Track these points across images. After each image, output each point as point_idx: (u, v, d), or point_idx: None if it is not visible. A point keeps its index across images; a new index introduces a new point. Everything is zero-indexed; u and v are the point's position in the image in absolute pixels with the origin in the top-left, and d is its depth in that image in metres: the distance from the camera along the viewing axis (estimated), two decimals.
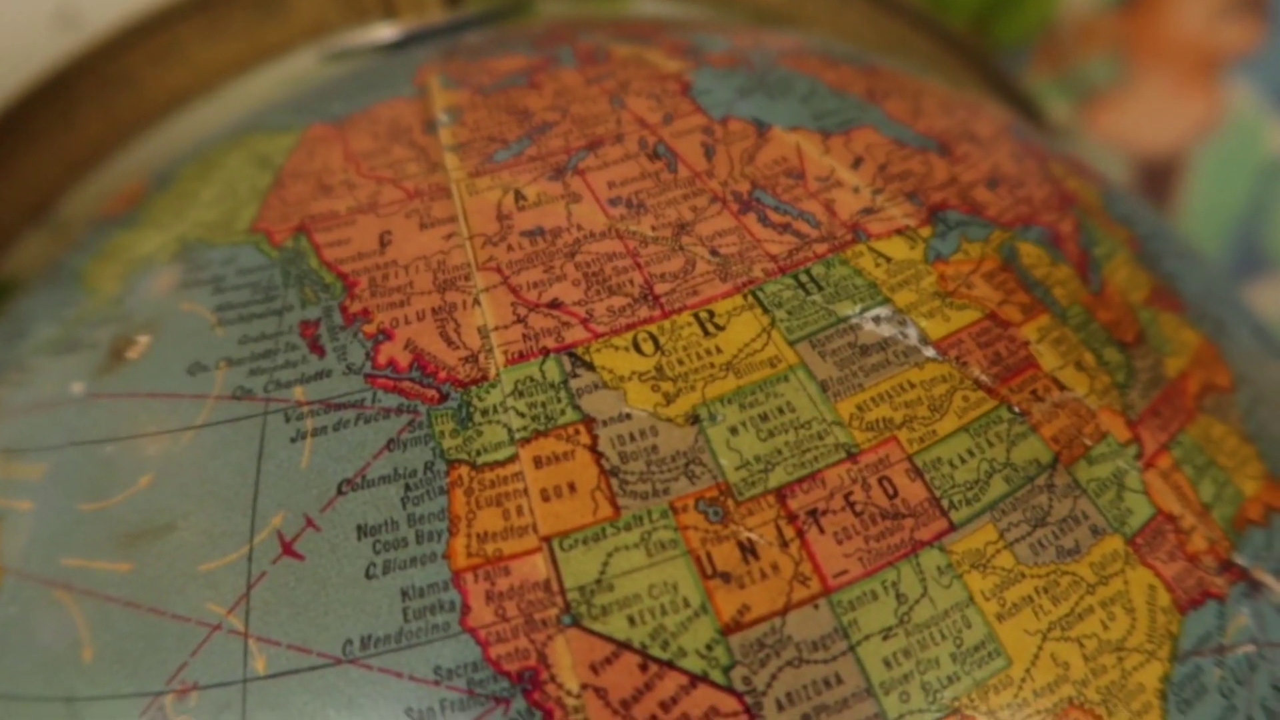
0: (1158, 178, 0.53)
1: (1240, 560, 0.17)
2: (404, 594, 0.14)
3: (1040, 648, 0.14)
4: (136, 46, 0.25)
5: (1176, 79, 0.54)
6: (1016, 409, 0.16)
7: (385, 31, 0.26)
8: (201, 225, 0.19)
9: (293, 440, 0.15)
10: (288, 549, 0.15)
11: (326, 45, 0.27)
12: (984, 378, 0.16)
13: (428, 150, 0.19)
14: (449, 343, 0.16)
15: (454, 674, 0.13)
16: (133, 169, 0.26)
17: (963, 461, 0.15)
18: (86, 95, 0.25)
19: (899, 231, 0.18)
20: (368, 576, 0.14)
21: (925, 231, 0.18)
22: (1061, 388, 0.17)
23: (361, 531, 0.14)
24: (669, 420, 0.15)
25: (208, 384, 0.16)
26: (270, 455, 0.15)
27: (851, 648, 0.14)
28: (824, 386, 0.16)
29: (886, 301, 0.17)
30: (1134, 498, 0.16)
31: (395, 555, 0.14)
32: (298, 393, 0.16)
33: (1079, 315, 0.18)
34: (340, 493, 0.15)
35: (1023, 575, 0.15)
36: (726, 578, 0.14)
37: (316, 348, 0.16)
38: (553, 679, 0.13)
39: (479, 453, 0.15)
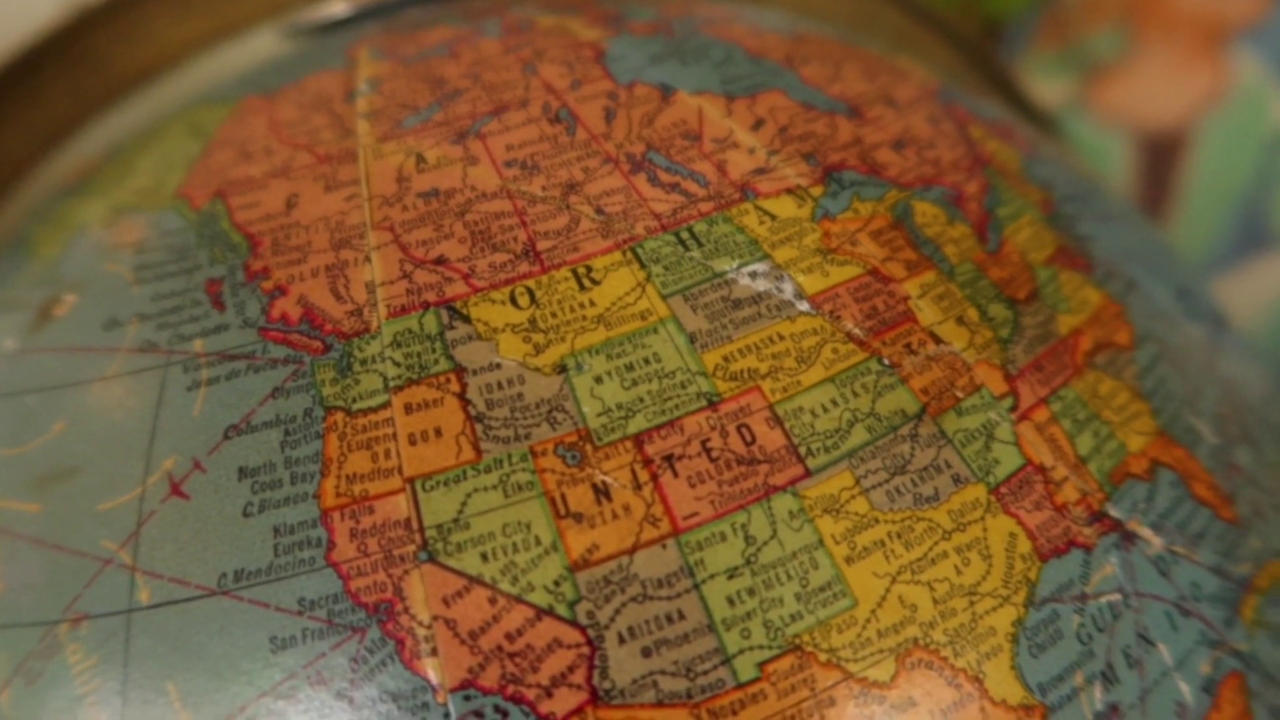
0: (1162, 153, 0.52)
1: (1114, 512, 0.17)
2: (276, 531, 0.15)
3: (888, 590, 0.15)
4: (103, 26, 0.26)
5: (1183, 51, 0.53)
6: (886, 361, 0.16)
7: (339, 7, 0.27)
8: (135, 192, 0.20)
9: (189, 389, 0.16)
10: (176, 489, 0.16)
11: (286, 22, 0.28)
12: (856, 331, 0.17)
13: (343, 118, 0.20)
14: (338, 297, 0.17)
15: (316, 605, 0.14)
16: (100, 145, 0.27)
17: (825, 411, 0.16)
18: (55, 74, 0.26)
19: (789, 190, 0.18)
20: (245, 515, 0.15)
21: (816, 191, 0.18)
22: (938, 341, 0.17)
23: (242, 473, 0.15)
24: (536, 370, 0.16)
25: (120, 338, 0.17)
26: (167, 403, 0.16)
27: (696, 586, 0.14)
28: (692, 338, 0.16)
29: (765, 258, 0.17)
30: (1003, 449, 0.16)
31: (271, 495, 0.15)
32: (197, 345, 0.17)
33: (969, 272, 0.18)
34: (226, 437, 0.16)
35: (876, 520, 0.15)
36: (579, 518, 0.15)
37: (218, 303, 0.17)
38: (406, 611, 0.14)
39: (354, 400, 0.15)
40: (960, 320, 0.17)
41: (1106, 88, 0.52)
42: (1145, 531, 0.17)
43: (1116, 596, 0.16)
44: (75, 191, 0.22)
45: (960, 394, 0.17)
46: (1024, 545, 0.16)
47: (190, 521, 0.15)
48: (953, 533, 0.15)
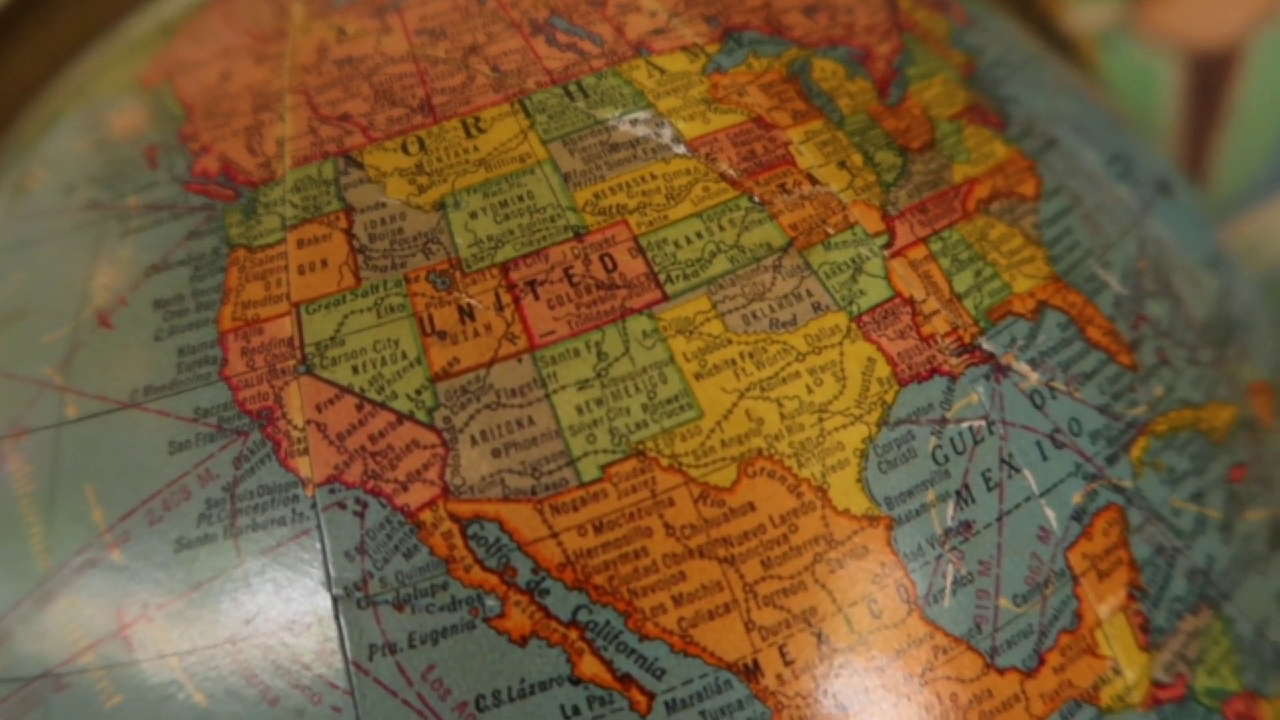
0: (1212, 72, 0.50)
1: (987, 346, 0.17)
2: (180, 351, 0.16)
3: (735, 404, 0.15)
4: None
5: None
6: (757, 199, 0.17)
7: None
8: (108, 84, 0.22)
9: (120, 237, 0.18)
10: (103, 321, 0.17)
11: None
12: (730, 172, 0.17)
13: (283, 3, 0.21)
14: (251, 152, 0.18)
15: (209, 413, 0.16)
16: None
17: (688, 242, 0.16)
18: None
19: (684, 48, 0.19)
20: (156, 339, 0.17)
21: (712, 48, 0.19)
22: (815, 182, 0.17)
23: (157, 304, 0.17)
24: (418, 207, 0.17)
25: (73, 200, 0.19)
26: (103, 251, 0.18)
27: (547, 395, 0.15)
28: (566, 178, 0.17)
29: (649, 107, 0.18)
30: (870, 281, 0.17)
31: (178, 321, 0.17)
32: (131, 200, 0.18)
33: (860, 122, 0.18)
34: (147, 275, 0.17)
35: (729, 342, 0.16)
36: (443, 335, 0.16)
37: (153, 164, 0.19)
38: (284, 417, 0.15)
39: (255, 238, 0.17)
40: (842, 164, 0.18)
41: (1154, 7, 0.50)
42: (1021, 366, 0.17)
43: (980, 423, 0.16)
44: (68, 92, 0.24)
45: (831, 230, 0.17)
46: (882, 370, 0.16)
47: (113, 347, 0.17)
48: (807, 355, 0.16)
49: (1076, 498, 0.17)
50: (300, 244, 0.17)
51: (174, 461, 0.16)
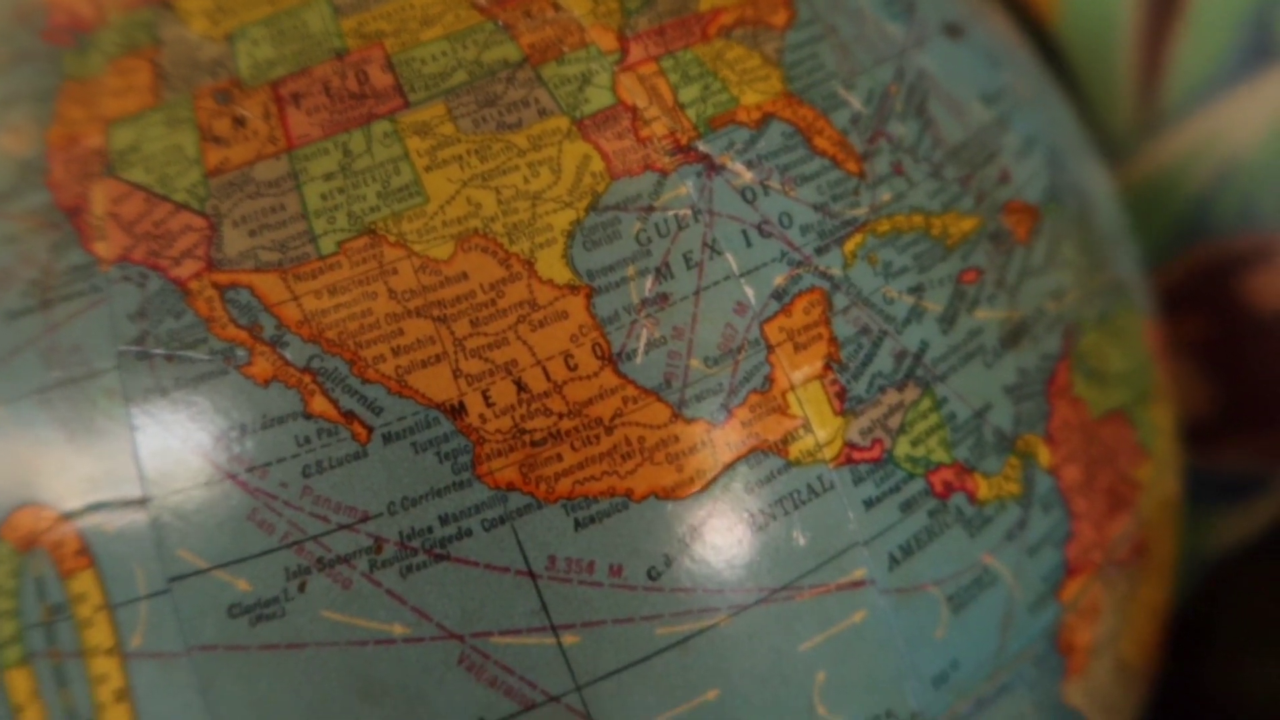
0: None
1: (703, 148, 0.19)
2: (21, 165, 0.19)
3: (458, 192, 0.18)
4: None
5: None
6: (501, 23, 0.19)
7: None
8: None
9: None
10: None
11: None
12: (482, 1, 0.19)
13: None
14: (95, 7, 0.21)
15: (37, 213, 0.19)
16: None
17: (434, 60, 0.19)
18: None
19: None
20: (4, 158, 0.20)
21: None
22: (558, 9, 0.19)
23: (7, 130, 0.20)
24: (212, 39, 0.19)
25: None
26: None
27: (298, 186, 0.18)
28: (337, 10, 0.19)
29: None
30: (597, 91, 0.19)
31: (23, 140, 0.20)
32: (1, 55, 0.22)
33: None
34: (4, 108, 0.20)
35: (459, 140, 0.18)
36: (218, 140, 0.18)
37: (22, 23, 0.22)
38: (89, 210, 0.18)
39: (84, 72, 0.20)
40: None
41: None
42: (736, 166, 0.19)
43: (686, 212, 0.18)
44: None
45: (566, 49, 0.19)
46: (597, 165, 0.18)
47: None
48: (528, 152, 0.18)
49: (779, 280, 0.19)
50: (118, 73, 0.20)
51: (7, 251, 0.19)
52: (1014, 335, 0.21)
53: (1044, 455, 0.21)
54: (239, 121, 0.18)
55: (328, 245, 0.18)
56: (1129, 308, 0.24)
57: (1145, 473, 0.24)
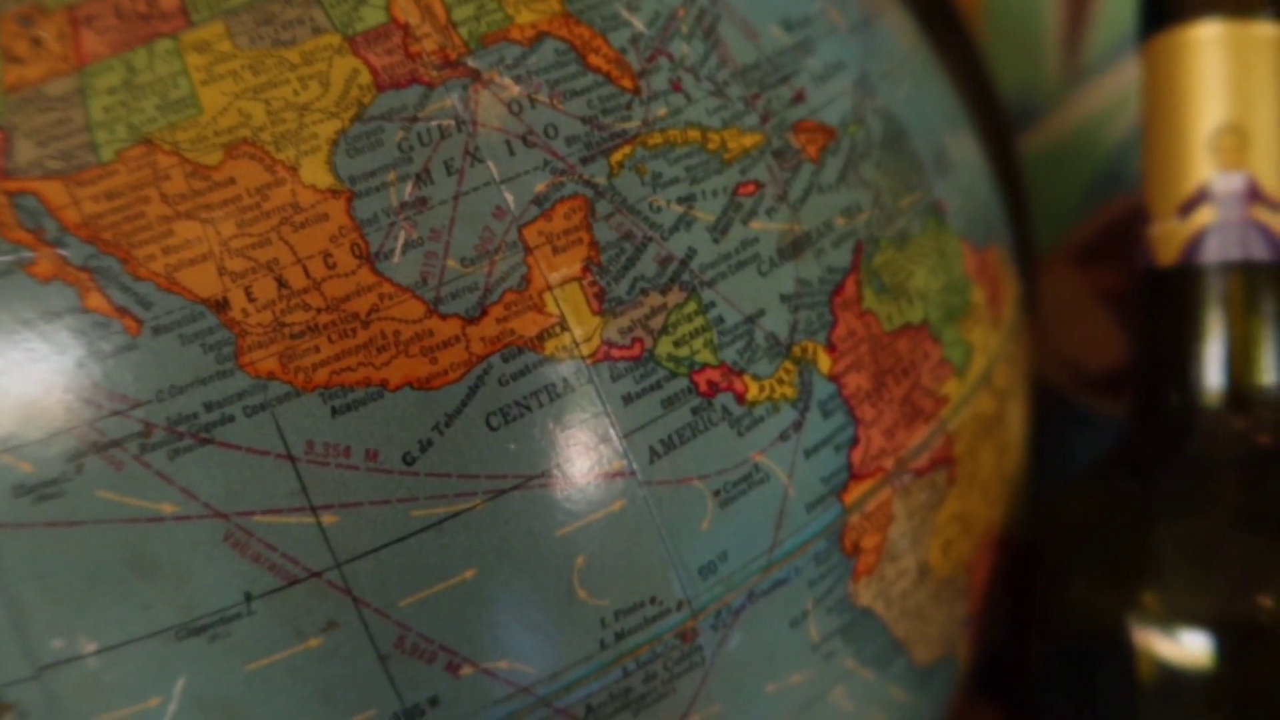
0: None
1: (472, 63, 0.20)
2: None
3: (231, 104, 0.19)
4: None
5: None
6: None
7: None
8: None
9: None
10: None
11: None
12: None
13: None
14: None
15: None
16: None
17: None
18: None
19: None
20: None
21: None
22: None
23: None
24: None
25: None
26: None
27: (84, 100, 0.19)
28: None
29: None
30: (370, 10, 0.20)
31: None
32: None
33: None
34: None
35: (235, 56, 0.19)
36: (17, 60, 0.20)
37: None
38: None
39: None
40: None
41: None
42: (504, 80, 0.20)
43: (450, 123, 0.19)
44: None
45: None
46: (365, 78, 0.19)
47: None
48: (299, 66, 0.19)
49: (540, 187, 0.20)
50: None
51: None
52: (795, 247, 0.22)
53: (824, 362, 0.22)
54: (36, 42, 0.20)
55: (107, 154, 0.19)
56: (942, 230, 0.25)
57: (951, 388, 0.24)
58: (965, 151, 0.29)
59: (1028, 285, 0.39)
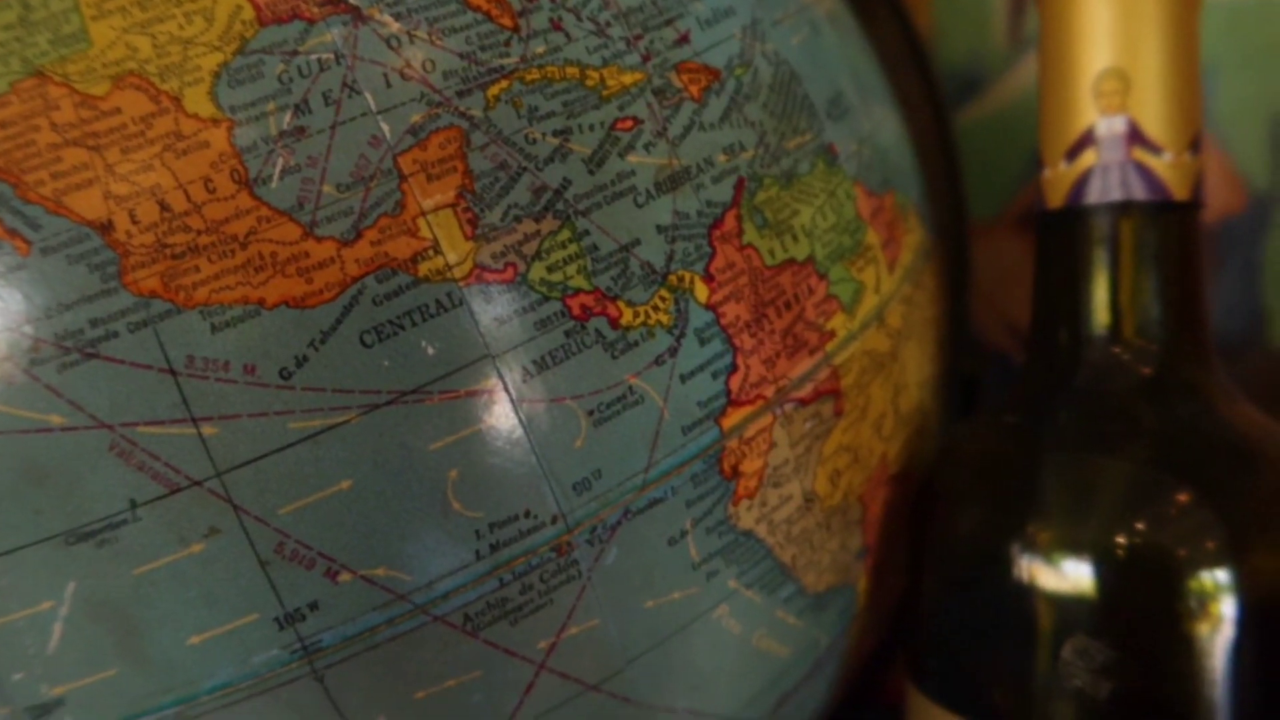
0: None
1: (353, 0, 0.21)
2: None
3: (119, 38, 0.20)
4: None
5: None
6: None
7: None
8: None
9: None
10: None
11: None
12: None
13: None
14: None
15: None
16: None
17: None
18: None
19: None
20: None
21: None
22: None
23: None
24: None
25: None
26: None
27: None
28: None
29: None
30: None
31: None
32: None
33: None
34: None
35: None
36: None
37: None
38: None
39: None
40: None
41: None
42: (384, 17, 0.21)
43: (329, 56, 0.20)
44: None
45: None
46: (248, 14, 0.20)
47: None
48: (185, 2, 0.20)
49: (416, 118, 0.20)
50: None
51: None
52: (673, 180, 0.23)
53: (702, 292, 0.23)
54: None
55: (1, 85, 0.20)
56: (832, 172, 0.26)
57: (839, 323, 0.25)
58: (868, 101, 0.30)
59: (959, 243, 0.39)
